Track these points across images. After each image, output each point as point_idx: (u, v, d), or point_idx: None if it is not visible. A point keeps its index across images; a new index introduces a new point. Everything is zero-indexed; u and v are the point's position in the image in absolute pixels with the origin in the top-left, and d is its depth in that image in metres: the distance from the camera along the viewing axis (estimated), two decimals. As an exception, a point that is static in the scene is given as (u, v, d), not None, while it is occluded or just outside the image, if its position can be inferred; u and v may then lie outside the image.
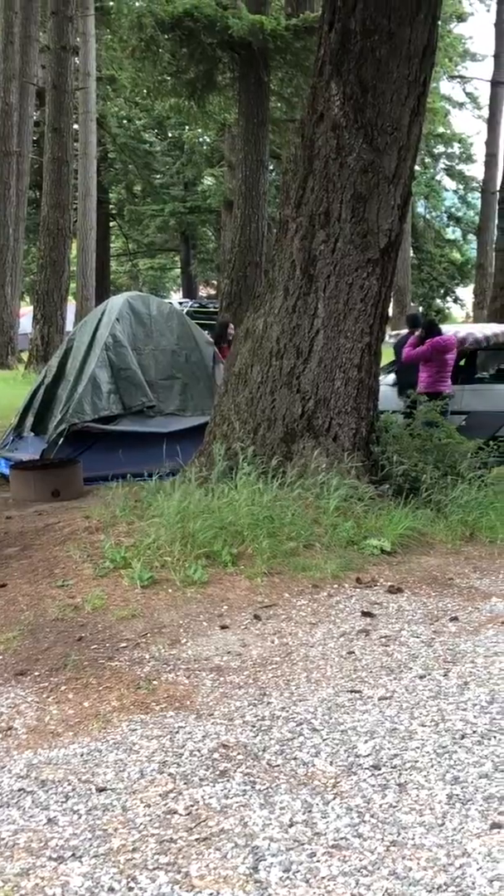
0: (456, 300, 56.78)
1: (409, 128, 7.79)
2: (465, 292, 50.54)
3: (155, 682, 4.41)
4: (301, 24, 16.93)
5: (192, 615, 5.37)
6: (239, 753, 3.65)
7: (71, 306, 25.98)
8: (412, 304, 41.14)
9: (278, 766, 3.54)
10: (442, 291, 54.03)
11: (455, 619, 5.38)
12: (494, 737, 3.78)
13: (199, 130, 37.87)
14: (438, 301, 55.37)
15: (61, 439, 10.05)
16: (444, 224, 53.65)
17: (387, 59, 7.60)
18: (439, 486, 7.73)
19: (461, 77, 43.27)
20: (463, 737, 3.78)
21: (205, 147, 40.45)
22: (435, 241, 51.11)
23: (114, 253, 51.40)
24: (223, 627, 5.20)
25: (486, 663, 4.64)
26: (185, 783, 3.42)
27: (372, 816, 3.17)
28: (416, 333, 11.79)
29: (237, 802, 3.27)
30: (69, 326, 21.28)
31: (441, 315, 55.59)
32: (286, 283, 7.92)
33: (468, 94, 46.64)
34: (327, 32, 7.82)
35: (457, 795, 3.31)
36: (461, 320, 51.50)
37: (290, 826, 3.11)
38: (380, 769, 3.51)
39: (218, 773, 3.49)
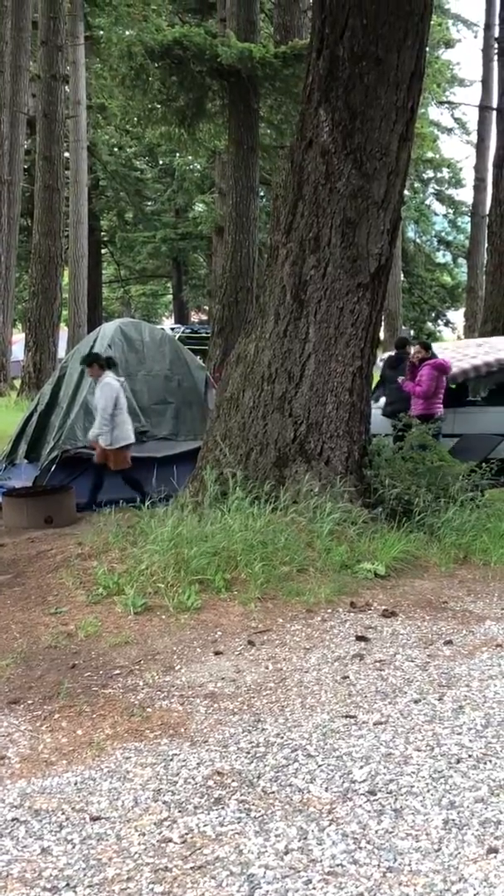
0: (447, 323, 56.96)
1: (397, 153, 7.84)
2: (457, 315, 50.71)
3: (149, 710, 4.38)
4: (290, 52, 17.01)
5: (185, 641, 5.35)
6: (234, 780, 3.63)
7: (63, 333, 26.03)
8: (403, 327, 41.25)
9: (273, 792, 3.52)
10: (433, 315, 54.22)
11: (450, 642, 5.37)
12: (490, 760, 3.77)
13: (190, 157, 38.04)
14: (430, 324, 55.54)
15: (54, 466, 10.04)
16: (434, 248, 53.90)
17: (375, 85, 7.66)
18: (432, 509, 7.73)
19: (449, 102, 43.60)
20: (458, 761, 3.77)
21: (195, 174, 40.60)
22: (425, 264, 51.34)
23: (106, 279, 51.52)
24: (217, 653, 5.18)
25: (482, 687, 4.62)
26: (179, 811, 3.39)
27: (368, 842, 3.15)
28: (411, 357, 11.80)
29: (232, 830, 3.25)
30: (61, 353, 21.30)
31: (432, 338, 55.81)
32: (277, 309, 7.95)
33: (456, 120, 46.98)
34: (315, 59, 7.88)
35: (453, 820, 3.30)
36: (453, 343, 51.56)
37: (286, 853, 3.09)
38: (375, 795, 3.49)
39: (213, 800, 3.47)
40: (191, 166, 40.61)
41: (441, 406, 11.43)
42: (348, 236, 7.78)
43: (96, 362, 9.72)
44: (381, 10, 7.60)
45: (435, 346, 12.50)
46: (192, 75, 17.37)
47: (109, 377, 9.59)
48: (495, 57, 32.05)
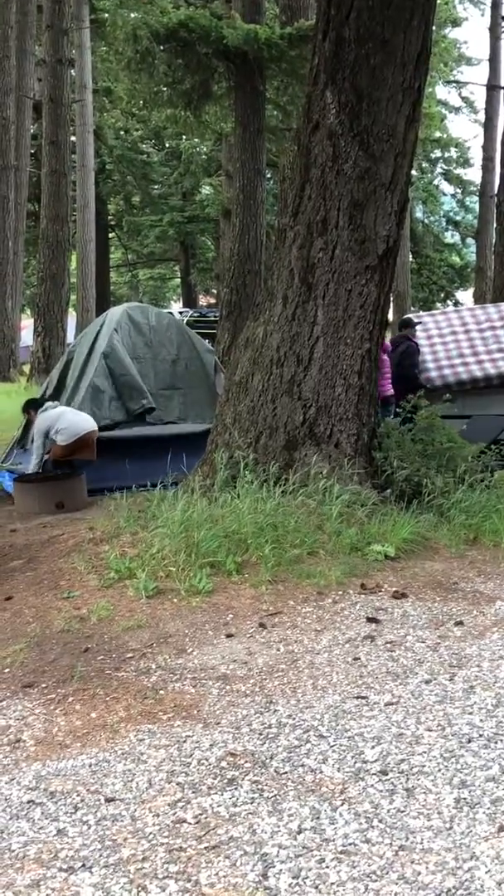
0: (456, 304, 56.78)
1: (404, 134, 7.82)
2: (465, 296, 50.55)
3: (162, 692, 4.42)
4: (295, 33, 16.98)
5: (197, 624, 5.39)
6: (246, 761, 3.66)
7: (71, 318, 26.04)
8: (412, 308, 41.17)
9: (286, 773, 3.55)
10: (442, 295, 54.02)
11: (460, 623, 5.39)
12: (501, 740, 3.79)
13: (196, 140, 37.95)
14: (438, 305, 55.36)
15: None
16: (442, 228, 53.69)
17: (381, 66, 7.64)
18: (442, 491, 7.73)
19: (456, 82, 43.39)
20: (470, 741, 3.80)
21: (202, 156, 40.51)
22: (434, 245, 51.13)
23: (113, 264, 51.47)
24: (229, 636, 5.21)
25: (492, 667, 4.65)
26: (193, 792, 3.43)
27: (380, 822, 3.19)
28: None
29: (246, 810, 3.28)
30: (70, 338, 21.32)
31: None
32: (285, 292, 7.95)
33: (464, 99, 46.85)
34: (321, 41, 7.85)
35: (464, 799, 3.33)
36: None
37: (299, 833, 3.12)
38: (387, 774, 3.52)
39: (226, 781, 3.50)
40: (197, 149, 40.50)
41: (390, 386, 11.01)
42: (356, 218, 7.77)
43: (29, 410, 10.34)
44: (386, -9, 7.57)
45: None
46: (198, 58, 17.36)
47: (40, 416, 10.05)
48: (503, 35, 31.92)
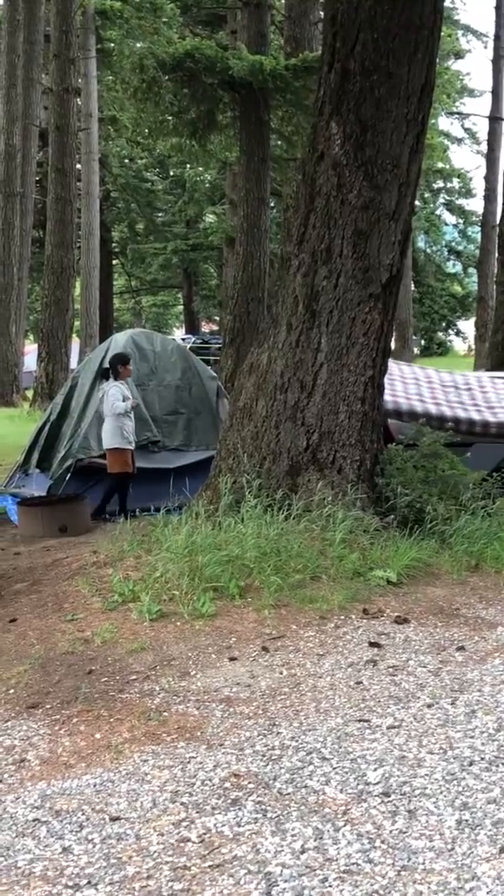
0: (458, 333, 57.05)
1: (408, 165, 7.92)
2: (467, 325, 50.78)
3: (165, 714, 4.45)
4: (300, 64, 17.13)
5: (200, 647, 5.42)
6: (250, 782, 3.69)
7: (75, 344, 26.17)
8: (414, 337, 41.34)
9: (289, 794, 3.59)
10: (444, 324, 54.32)
11: (462, 648, 5.42)
12: (502, 763, 3.82)
13: (200, 169, 38.26)
14: (440, 334, 55.64)
15: (68, 475, 10.14)
16: (444, 258, 54.05)
17: (386, 98, 7.75)
18: (443, 517, 7.77)
19: (459, 113, 43.75)
20: (471, 764, 3.83)
21: (206, 185, 40.81)
22: (436, 274, 51.49)
23: (116, 291, 51.76)
24: (232, 659, 5.24)
25: (494, 692, 4.68)
26: (197, 812, 3.46)
27: (382, 842, 3.21)
28: None
29: (249, 830, 3.31)
30: (73, 364, 21.43)
31: (443, 348, 55.93)
32: (289, 319, 8.02)
33: (466, 130, 47.11)
34: (327, 73, 7.98)
35: (466, 821, 3.36)
36: (463, 354, 51.76)
37: (302, 852, 3.15)
38: (389, 796, 3.55)
39: (230, 801, 3.53)
40: (201, 178, 40.81)
41: None
42: (360, 247, 7.86)
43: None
44: (391, 24, 7.69)
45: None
46: (204, 87, 17.50)
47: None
48: (505, 67, 32.23)
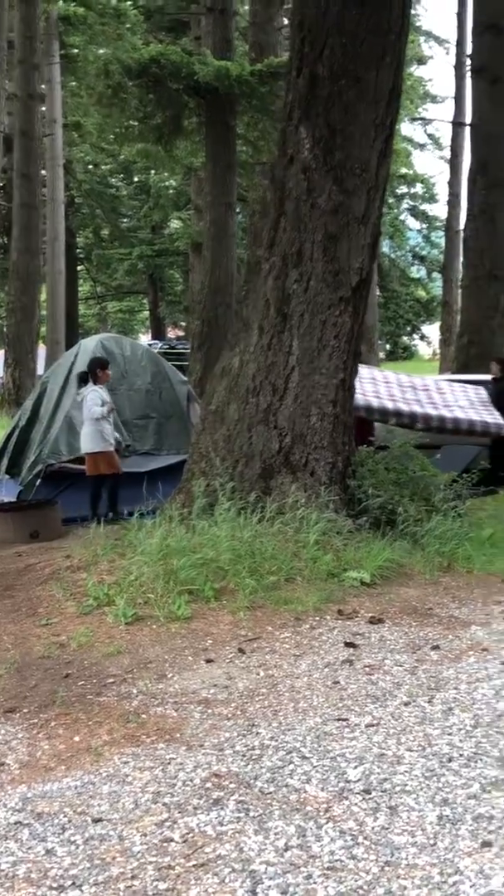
0: (422, 337, 57.45)
1: (377, 169, 7.98)
2: (432, 329, 51.14)
3: (144, 716, 4.45)
4: (266, 69, 17.21)
5: (177, 650, 5.42)
6: (231, 782, 3.70)
7: (42, 350, 26.07)
8: (379, 341, 41.53)
9: (270, 793, 3.60)
10: (408, 329, 54.64)
11: (437, 647, 5.46)
12: (481, 759, 3.85)
13: (165, 174, 38.24)
14: (405, 338, 55.98)
15: (38, 480, 10.09)
16: (409, 263, 54.39)
17: (354, 102, 7.81)
18: (415, 519, 7.83)
19: (423, 119, 44.06)
20: (450, 760, 3.85)
21: (171, 190, 40.82)
22: (400, 279, 51.78)
23: (82, 296, 51.64)
24: (208, 661, 5.25)
25: (470, 689, 4.72)
26: (179, 812, 3.46)
27: (365, 839, 3.23)
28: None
29: (232, 829, 3.32)
30: (40, 370, 21.35)
31: (408, 352, 56.30)
32: (261, 322, 8.05)
33: (430, 136, 47.55)
34: (295, 77, 8.02)
35: (447, 816, 3.38)
36: (428, 358, 52.14)
37: (286, 850, 3.16)
38: (370, 793, 3.57)
39: (211, 801, 3.54)
40: (166, 183, 40.82)
41: None
42: (330, 251, 7.90)
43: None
44: (359, 30, 7.75)
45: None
46: (170, 93, 17.54)
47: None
48: (467, 73, 32.49)
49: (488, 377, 13.09)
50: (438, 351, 37.79)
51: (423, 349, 57.93)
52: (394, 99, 8.00)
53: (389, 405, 10.81)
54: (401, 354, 54.48)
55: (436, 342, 43.55)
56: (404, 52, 8.23)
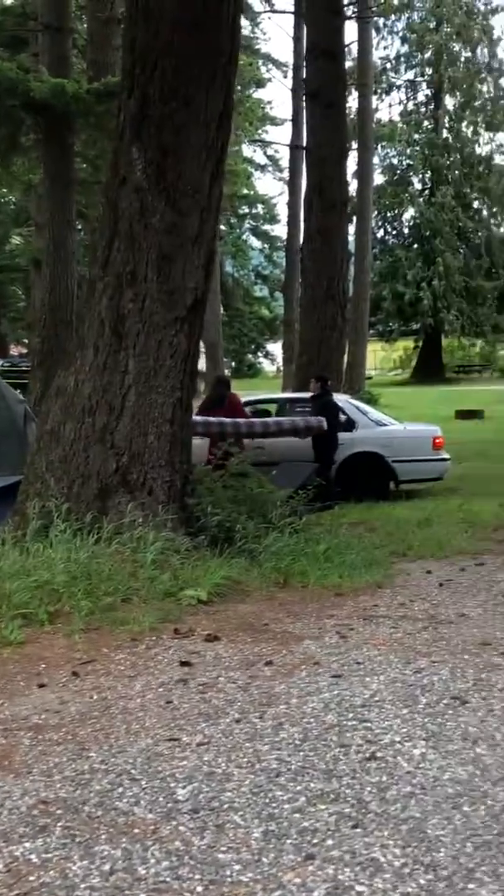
0: (266, 355, 58.23)
1: (209, 190, 8.08)
2: (275, 347, 51.89)
3: (-29, 745, 4.35)
4: (103, 88, 17.15)
5: (8, 676, 5.32)
6: (58, 808, 3.66)
7: None
8: (224, 359, 41.89)
9: (98, 817, 3.57)
10: (253, 347, 55.27)
11: (270, 663, 5.53)
12: (308, 773, 3.92)
13: (5, 190, 37.68)
14: (250, 356, 56.59)
15: None
16: (251, 282, 55.10)
17: (185, 124, 7.89)
18: (253, 535, 7.92)
19: (262, 141, 44.79)
20: (278, 775, 3.91)
21: (11, 207, 40.23)
22: (244, 298, 52.40)
23: None
24: (41, 686, 5.18)
25: (300, 703, 4.80)
26: (4, 841, 3.40)
27: (191, 858, 3.25)
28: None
29: (58, 856, 3.28)
30: None
31: (253, 370, 56.93)
32: (96, 341, 8.02)
33: (269, 157, 48.39)
34: (126, 98, 8.05)
35: (272, 831, 3.43)
36: (272, 375, 52.85)
37: (111, 874, 3.14)
38: (198, 812, 3.59)
39: (38, 828, 3.49)
40: (6, 199, 40.21)
41: None
42: (164, 271, 7.94)
43: None
44: (190, 52, 7.84)
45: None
46: (6, 109, 17.28)
47: None
48: (304, 97, 33.23)
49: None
50: (282, 368, 38.37)
51: (268, 367, 58.73)
52: (224, 121, 8.12)
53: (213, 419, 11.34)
54: (246, 372, 55.06)
55: (279, 360, 44.20)
56: (234, 74, 8.36)
